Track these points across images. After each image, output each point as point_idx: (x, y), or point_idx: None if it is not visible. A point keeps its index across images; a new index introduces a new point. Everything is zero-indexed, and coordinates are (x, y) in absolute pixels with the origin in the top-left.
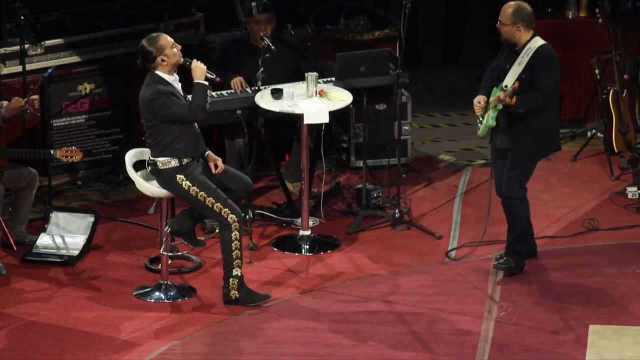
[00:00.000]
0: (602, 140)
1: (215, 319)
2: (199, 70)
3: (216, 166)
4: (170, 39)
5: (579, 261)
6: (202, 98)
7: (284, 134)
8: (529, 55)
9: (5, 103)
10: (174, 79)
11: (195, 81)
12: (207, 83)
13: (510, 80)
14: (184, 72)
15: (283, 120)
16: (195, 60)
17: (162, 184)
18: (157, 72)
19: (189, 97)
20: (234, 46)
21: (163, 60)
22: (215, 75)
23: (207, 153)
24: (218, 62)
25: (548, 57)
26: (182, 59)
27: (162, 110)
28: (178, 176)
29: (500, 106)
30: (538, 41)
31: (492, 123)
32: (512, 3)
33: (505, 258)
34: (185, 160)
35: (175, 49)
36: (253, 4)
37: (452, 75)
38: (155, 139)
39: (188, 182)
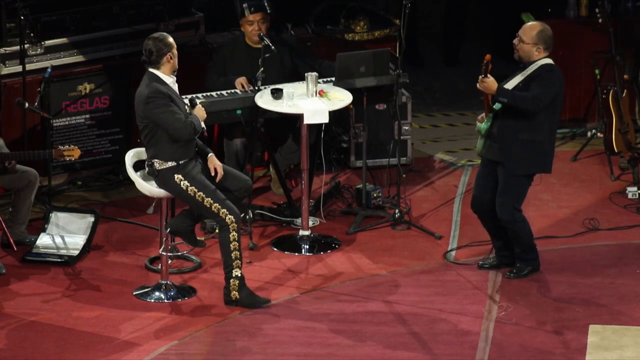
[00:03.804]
0: (602, 140)
1: (215, 319)
2: (200, 113)
3: (216, 172)
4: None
5: (579, 261)
6: (199, 124)
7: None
8: (533, 69)
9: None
10: (172, 81)
11: (194, 113)
12: (202, 125)
13: (509, 85)
14: (181, 74)
15: (283, 120)
16: (201, 106)
17: (160, 184)
18: (157, 71)
19: (185, 97)
20: (230, 48)
21: (171, 58)
22: (205, 129)
23: (209, 155)
24: (217, 66)
25: (546, 70)
26: (191, 97)
27: (155, 113)
28: (176, 176)
29: (498, 106)
30: (547, 60)
31: (486, 126)
32: (536, 24)
33: (518, 266)
34: (182, 160)
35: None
36: (244, 4)
37: (453, 76)
38: (149, 140)
39: (186, 182)
